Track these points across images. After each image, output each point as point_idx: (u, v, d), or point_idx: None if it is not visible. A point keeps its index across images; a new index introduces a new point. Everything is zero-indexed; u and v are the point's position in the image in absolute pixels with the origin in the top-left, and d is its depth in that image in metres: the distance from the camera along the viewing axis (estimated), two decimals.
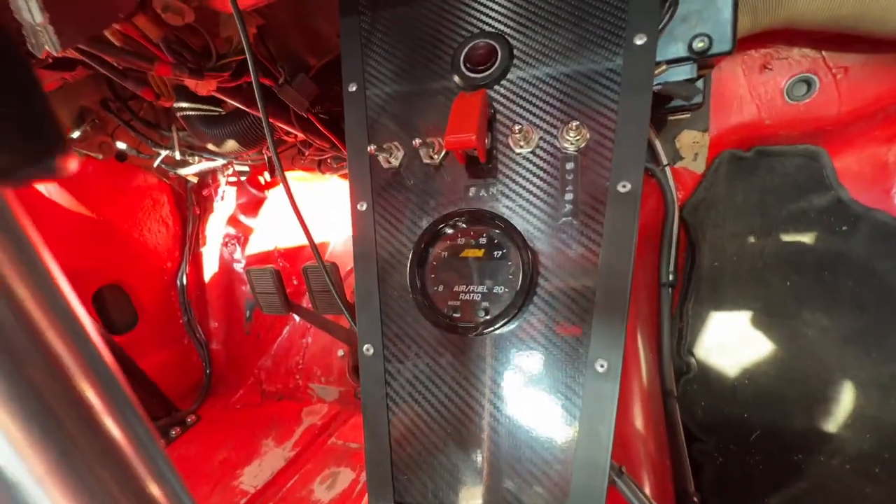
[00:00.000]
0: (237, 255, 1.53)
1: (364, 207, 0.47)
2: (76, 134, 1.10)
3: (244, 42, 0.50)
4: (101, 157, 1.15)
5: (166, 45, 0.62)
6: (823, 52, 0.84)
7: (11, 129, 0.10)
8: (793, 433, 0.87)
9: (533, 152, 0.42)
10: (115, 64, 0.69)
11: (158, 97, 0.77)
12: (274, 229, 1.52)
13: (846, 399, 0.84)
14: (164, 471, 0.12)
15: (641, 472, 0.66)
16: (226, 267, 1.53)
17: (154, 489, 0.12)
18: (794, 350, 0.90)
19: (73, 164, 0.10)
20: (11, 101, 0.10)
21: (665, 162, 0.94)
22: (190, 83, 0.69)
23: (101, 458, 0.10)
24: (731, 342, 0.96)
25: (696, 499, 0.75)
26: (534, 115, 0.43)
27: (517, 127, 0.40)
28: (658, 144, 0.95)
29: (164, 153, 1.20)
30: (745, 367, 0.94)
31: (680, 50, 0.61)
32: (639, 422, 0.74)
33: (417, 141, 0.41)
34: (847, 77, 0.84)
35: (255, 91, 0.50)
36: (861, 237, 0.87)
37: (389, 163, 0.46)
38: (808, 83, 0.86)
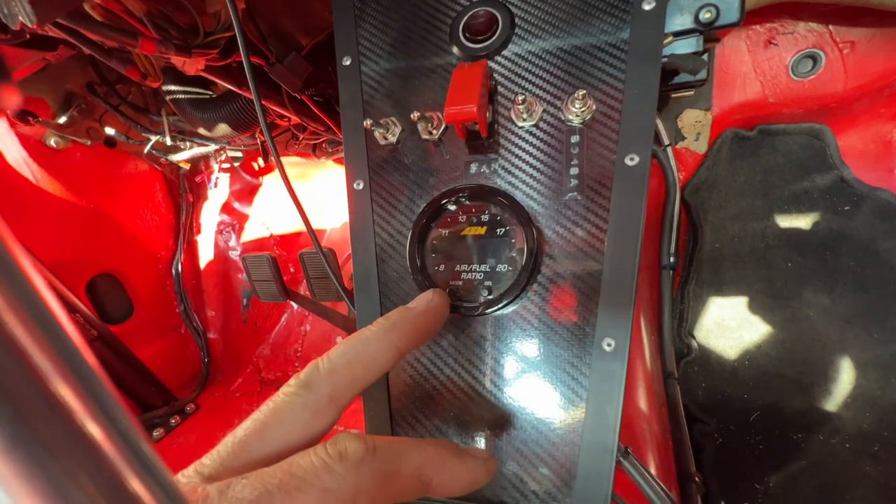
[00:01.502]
0: (232, 242, 1.51)
1: (360, 186, 0.45)
2: (62, 119, 1.07)
3: (232, 16, 0.48)
4: (89, 142, 1.12)
5: (151, 21, 0.60)
6: (830, 26, 0.82)
7: None
8: (792, 413, 0.87)
9: (536, 125, 0.41)
10: (100, 42, 0.67)
11: (145, 77, 0.74)
12: (269, 216, 1.50)
13: (846, 379, 0.85)
14: (154, 472, 0.11)
15: (646, 453, 0.66)
16: (221, 255, 1.51)
17: (141, 491, 0.10)
18: (795, 331, 0.90)
19: (14, 98, 0.08)
20: None
21: (667, 142, 0.93)
22: (177, 61, 0.66)
23: (82, 463, 0.09)
24: (732, 324, 0.95)
25: (697, 479, 0.75)
26: (537, 86, 0.41)
27: (520, 98, 0.38)
28: (660, 124, 0.93)
29: (154, 139, 1.17)
30: (745, 349, 0.94)
31: (686, 21, 0.59)
32: (642, 403, 0.74)
33: (416, 114, 0.39)
34: (853, 52, 0.82)
35: (245, 68, 0.48)
36: (863, 217, 0.86)
37: (386, 139, 0.44)
38: (814, 59, 0.84)
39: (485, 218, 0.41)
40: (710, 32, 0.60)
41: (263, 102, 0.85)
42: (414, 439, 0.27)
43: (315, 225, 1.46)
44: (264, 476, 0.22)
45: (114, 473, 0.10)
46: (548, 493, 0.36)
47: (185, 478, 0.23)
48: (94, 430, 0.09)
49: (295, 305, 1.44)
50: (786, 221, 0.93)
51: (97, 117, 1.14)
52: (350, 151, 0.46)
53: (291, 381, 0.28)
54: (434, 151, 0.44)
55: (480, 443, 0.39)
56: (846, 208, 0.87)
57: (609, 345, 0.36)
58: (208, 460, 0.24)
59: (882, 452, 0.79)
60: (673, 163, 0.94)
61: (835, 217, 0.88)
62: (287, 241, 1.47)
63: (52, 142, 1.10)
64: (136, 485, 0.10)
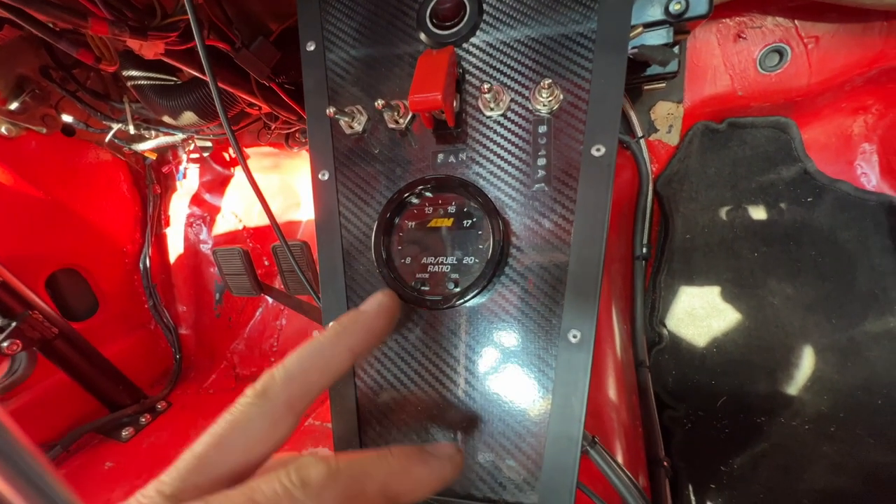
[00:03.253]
0: (203, 235, 1.46)
1: (326, 177, 0.44)
2: (14, 105, 1.01)
3: None
4: (44, 130, 1.06)
5: (102, 1, 0.56)
6: (796, 21, 0.84)
7: None
8: (757, 397, 0.91)
9: (504, 115, 0.40)
10: (52, 24, 0.63)
11: (99, 60, 0.70)
12: (242, 208, 1.45)
13: (807, 364, 0.88)
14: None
15: (614, 441, 0.68)
16: (192, 248, 1.46)
17: None
18: (761, 318, 0.93)
19: None
20: None
21: (640, 134, 0.94)
22: (133, 44, 0.62)
23: None
24: (702, 312, 0.98)
25: (665, 463, 0.78)
26: (505, 74, 0.40)
27: (486, 86, 0.38)
28: (633, 116, 0.94)
29: (115, 127, 1.12)
30: (713, 336, 0.97)
31: (656, 13, 0.59)
32: (612, 392, 0.75)
33: (380, 102, 0.38)
34: (818, 47, 0.84)
35: (200, 51, 0.45)
36: (825, 208, 0.90)
37: (352, 128, 0.43)
38: (781, 53, 0.86)
39: (452, 209, 0.40)
40: (679, 24, 0.61)
41: (231, 90, 0.82)
42: (377, 452, 0.27)
43: (290, 216, 1.43)
44: (226, 502, 0.22)
45: None
46: (515, 484, 0.37)
47: (146, 498, 0.22)
48: None
49: (270, 299, 1.41)
50: (753, 212, 0.95)
51: (53, 104, 1.08)
52: (315, 140, 0.45)
53: (247, 392, 0.28)
54: (401, 141, 0.43)
55: (448, 436, 0.38)
56: (809, 200, 0.90)
57: (575, 336, 0.36)
58: (168, 478, 0.24)
59: (838, 433, 0.83)
60: (646, 154, 0.95)
61: (798, 208, 0.91)
62: (260, 233, 1.43)
63: (2, 129, 1.04)
64: None
